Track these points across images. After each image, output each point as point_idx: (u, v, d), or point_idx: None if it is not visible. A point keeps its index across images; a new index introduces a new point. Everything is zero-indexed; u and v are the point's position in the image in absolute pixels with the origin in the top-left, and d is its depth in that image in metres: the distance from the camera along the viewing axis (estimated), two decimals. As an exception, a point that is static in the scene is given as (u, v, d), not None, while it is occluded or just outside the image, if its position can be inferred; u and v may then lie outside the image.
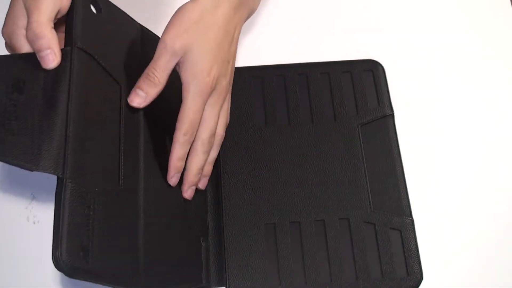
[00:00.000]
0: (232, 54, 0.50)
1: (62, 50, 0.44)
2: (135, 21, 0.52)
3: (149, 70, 0.46)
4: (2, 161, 0.40)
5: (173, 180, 0.49)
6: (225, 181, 0.54)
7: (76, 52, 0.44)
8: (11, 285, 0.52)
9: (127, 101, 0.46)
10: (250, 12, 0.53)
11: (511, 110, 0.60)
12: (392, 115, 0.58)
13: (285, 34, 0.64)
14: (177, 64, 0.46)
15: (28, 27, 0.42)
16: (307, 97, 0.58)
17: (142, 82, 0.46)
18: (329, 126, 0.57)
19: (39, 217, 0.55)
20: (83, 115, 0.43)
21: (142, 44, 0.52)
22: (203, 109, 0.47)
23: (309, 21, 0.64)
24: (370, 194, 0.54)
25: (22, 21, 0.44)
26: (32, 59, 0.43)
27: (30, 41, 0.43)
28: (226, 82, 0.49)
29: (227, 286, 0.51)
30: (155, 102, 0.48)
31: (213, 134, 0.49)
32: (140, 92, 0.47)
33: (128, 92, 0.47)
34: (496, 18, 0.65)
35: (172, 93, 0.48)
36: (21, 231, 0.54)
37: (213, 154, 0.52)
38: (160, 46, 0.46)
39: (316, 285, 0.51)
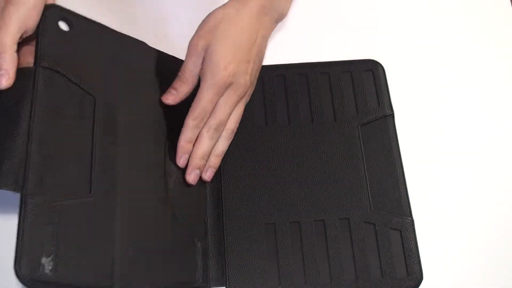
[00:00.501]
0: (253, 55, 0.52)
1: (27, 69, 0.46)
2: (117, 33, 0.53)
3: (180, 71, 0.51)
4: None
5: (181, 161, 0.51)
6: (225, 181, 0.54)
7: (41, 72, 0.46)
8: (11, 286, 0.52)
9: (103, 111, 0.48)
10: (278, 18, 0.56)
11: (511, 110, 0.60)
12: (392, 115, 0.58)
13: (285, 34, 0.63)
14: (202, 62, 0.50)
15: None
16: (307, 97, 0.58)
17: (175, 82, 0.52)
18: (329, 126, 0.57)
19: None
20: (48, 131, 0.44)
21: (125, 54, 0.53)
22: (217, 101, 0.50)
23: (309, 21, 0.64)
24: (370, 194, 0.54)
25: None
26: None
27: None
28: (244, 81, 0.51)
29: (227, 286, 0.51)
30: (138, 108, 0.51)
31: (222, 124, 0.52)
32: (173, 91, 0.52)
33: (103, 103, 0.49)
34: (496, 18, 0.65)
35: (156, 101, 0.52)
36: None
37: (222, 146, 0.53)
38: (188, 48, 0.51)
39: (316, 285, 0.51)
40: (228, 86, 0.50)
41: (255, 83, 0.55)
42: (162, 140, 0.53)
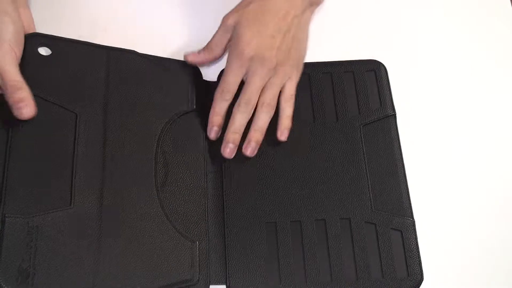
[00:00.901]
0: (281, 32, 0.54)
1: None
2: (104, 47, 0.55)
3: (209, 41, 0.57)
4: None
5: (211, 134, 0.55)
6: (226, 180, 0.54)
7: None
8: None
9: (85, 126, 0.52)
10: (312, 1, 0.59)
11: (513, 111, 0.60)
12: (394, 116, 0.58)
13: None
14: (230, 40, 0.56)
15: (7, 86, 0.48)
16: (309, 96, 0.58)
17: (203, 48, 0.58)
18: (331, 126, 0.57)
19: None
20: (26, 153, 0.48)
21: (113, 66, 0.55)
22: (243, 74, 0.54)
23: (312, 21, 0.64)
24: (371, 194, 0.54)
25: None
26: None
27: (9, 97, 0.48)
28: (269, 55, 0.53)
29: (228, 284, 0.51)
30: (127, 115, 0.53)
31: (252, 98, 0.54)
32: (196, 52, 0.58)
33: (87, 117, 0.52)
34: (498, 18, 0.65)
35: (151, 107, 0.54)
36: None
37: (261, 121, 0.55)
38: (220, 24, 0.56)
39: (316, 284, 0.51)
40: (251, 59, 0.53)
41: (292, 63, 0.56)
42: (154, 142, 0.54)
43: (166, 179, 0.53)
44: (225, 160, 0.55)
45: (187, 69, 0.58)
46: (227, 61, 0.54)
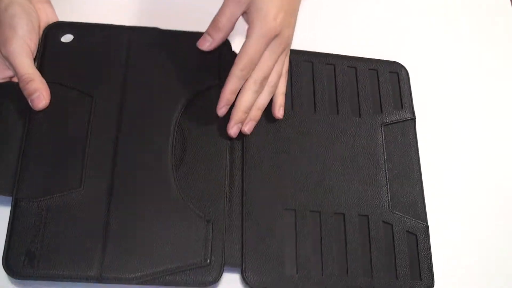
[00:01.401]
0: (296, 10, 0.52)
1: None
2: (126, 27, 0.55)
3: (215, 17, 0.50)
4: None
5: (221, 111, 0.51)
6: (247, 165, 0.52)
7: None
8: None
9: (100, 107, 0.51)
10: None
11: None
12: (414, 120, 0.58)
13: (313, 27, 0.62)
14: (244, 14, 0.50)
15: (20, 79, 0.49)
16: (333, 88, 0.57)
17: (210, 28, 0.51)
18: (354, 121, 0.56)
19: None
20: (41, 138, 0.49)
21: (136, 46, 0.54)
22: (263, 52, 0.49)
23: (339, 15, 0.64)
24: (389, 194, 0.53)
25: None
26: None
27: (23, 88, 0.49)
28: (288, 33, 0.51)
29: (243, 267, 0.48)
30: (141, 98, 0.52)
31: (266, 77, 0.51)
32: (207, 37, 0.51)
33: (101, 100, 0.51)
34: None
35: (153, 92, 0.53)
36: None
37: (263, 99, 0.52)
38: None
39: (332, 278, 0.49)
40: (275, 37, 0.49)
41: (292, 39, 0.54)
42: (172, 119, 0.52)
43: (184, 156, 0.50)
44: (246, 136, 0.53)
45: None
46: (251, 36, 0.48)
